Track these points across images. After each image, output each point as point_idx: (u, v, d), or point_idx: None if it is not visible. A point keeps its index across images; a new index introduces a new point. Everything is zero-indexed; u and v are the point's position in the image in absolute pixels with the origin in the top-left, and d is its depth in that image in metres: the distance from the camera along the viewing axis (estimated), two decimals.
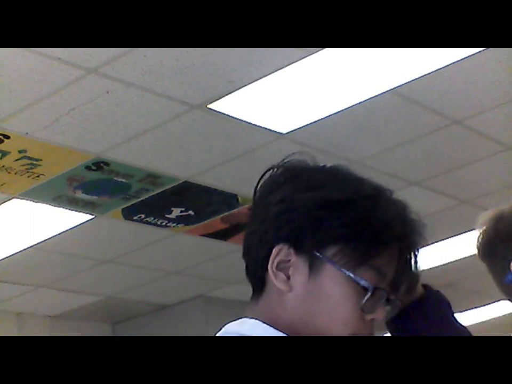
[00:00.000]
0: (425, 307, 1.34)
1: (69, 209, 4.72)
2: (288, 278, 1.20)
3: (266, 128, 4.11)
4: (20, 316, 6.51)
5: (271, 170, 1.26)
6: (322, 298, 1.20)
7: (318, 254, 1.19)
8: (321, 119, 4.06)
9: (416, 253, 1.24)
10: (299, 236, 1.19)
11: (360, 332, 1.21)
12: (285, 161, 1.26)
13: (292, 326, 1.21)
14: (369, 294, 1.19)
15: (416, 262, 1.25)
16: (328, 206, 1.19)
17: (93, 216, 4.87)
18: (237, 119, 3.98)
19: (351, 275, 1.18)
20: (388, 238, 1.20)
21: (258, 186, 1.26)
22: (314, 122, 4.08)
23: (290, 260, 1.20)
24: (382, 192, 1.23)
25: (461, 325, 1.34)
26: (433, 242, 6.16)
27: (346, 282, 1.19)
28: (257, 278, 1.24)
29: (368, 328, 1.22)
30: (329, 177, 1.24)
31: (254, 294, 1.26)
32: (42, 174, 4.27)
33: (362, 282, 1.18)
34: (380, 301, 1.21)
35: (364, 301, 1.19)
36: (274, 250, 1.20)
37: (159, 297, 6.57)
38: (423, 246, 1.25)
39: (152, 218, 5.01)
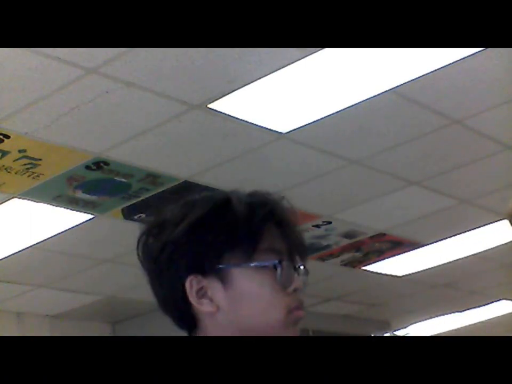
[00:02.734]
0: None
1: (69, 209, 4.72)
2: (211, 300, 1.30)
3: (266, 128, 4.11)
4: (20, 316, 6.50)
5: (137, 244, 1.41)
6: (245, 299, 1.29)
7: (219, 267, 1.29)
8: (321, 119, 4.05)
9: (288, 222, 1.35)
10: (195, 263, 1.30)
11: (291, 304, 1.30)
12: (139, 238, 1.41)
13: None
14: (279, 268, 1.29)
15: (293, 230, 1.35)
16: (198, 226, 1.31)
17: (93, 216, 4.87)
18: (237, 119, 3.98)
19: (255, 264, 1.29)
20: (258, 222, 1.30)
21: (138, 251, 1.41)
22: (314, 122, 4.08)
23: (203, 285, 1.30)
24: (234, 193, 1.36)
25: None
26: (433, 242, 6.16)
27: (254, 273, 1.30)
28: (188, 318, 1.32)
29: (295, 299, 1.31)
30: (186, 207, 1.37)
31: (190, 333, 1.34)
32: (42, 174, 4.27)
33: (267, 263, 1.30)
34: (290, 271, 1.31)
35: (278, 277, 1.29)
36: (187, 286, 1.30)
37: None
38: (294, 214, 1.37)
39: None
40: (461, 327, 8.69)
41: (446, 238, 6.11)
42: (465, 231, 6.01)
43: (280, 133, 4.18)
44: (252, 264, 1.29)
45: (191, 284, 1.30)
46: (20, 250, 5.17)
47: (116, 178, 4.43)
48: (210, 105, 3.83)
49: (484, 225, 5.91)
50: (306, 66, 3.56)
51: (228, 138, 4.17)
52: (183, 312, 1.32)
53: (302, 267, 1.34)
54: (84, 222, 4.93)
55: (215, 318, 1.30)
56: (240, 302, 1.29)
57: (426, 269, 6.71)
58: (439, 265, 6.65)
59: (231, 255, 1.29)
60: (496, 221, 5.85)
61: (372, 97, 3.89)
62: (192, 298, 1.29)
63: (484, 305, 8.13)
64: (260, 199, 1.34)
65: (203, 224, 1.31)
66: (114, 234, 5.22)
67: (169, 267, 1.31)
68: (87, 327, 6.84)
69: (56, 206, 4.66)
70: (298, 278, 1.32)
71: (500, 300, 8.09)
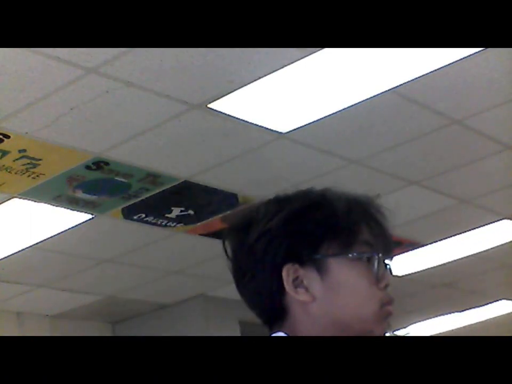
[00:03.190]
0: None
1: (69, 208, 4.72)
2: (307, 289, 1.30)
3: (266, 128, 4.11)
4: (20, 316, 6.50)
5: (225, 237, 1.38)
6: (341, 289, 1.30)
7: (317, 256, 1.30)
8: (321, 119, 4.05)
9: (381, 219, 1.37)
10: (293, 252, 1.30)
11: (384, 299, 1.31)
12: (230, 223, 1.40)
13: (326, 330, 1.29)
14: (375, 261, 1.31)
15: (385, 228, 1.37)
16: (296, 218, 1.32)
17: (93, 216, 4.87)
18: (237, 118, 3.98)
19: (354, 254, 1.30)
20: (355, 217, 1.33)
21: (225, 245, 1.37)
22: (314, 122, 4.08)
23: (299, 275, 1.30)
24: (328, 190, 1.38)
25: None
26: (433, 242, 6.16)
27: (352, 265, 1.31)
28: (276, 309, 1.32)
29: (386, 294, 1.32)
30: (281, 201, 1.37)
31: (275, 325, 1.33)
32: (42, 174, 4.27)
33: (366, 255, 1.31)
34: (383, 266, 1.33)
35: (375, 269, 1.31)
36: (284, 275, 1.30)
37: (159, 296, 6.57)
38: (384, 213, 1.38)
39: (152, 217, 5.01)
40: (461, 327, 8.69)
41: (446, 238, 6.11)
42: (465, 231, 6.01)
43: (280, 133, 4.18)
44: (350, 255, 1.30)
45: (288, 273, 1.30)
46: (20, 250, 5.17)
47: (116, 178, 4.43)
48: (210, 105, 3.83)
49: (484, 225, 5.91)
50: (306, 66, 3.56)
51: (228, 138, 4.17)
52: (274, 303, 1.32)
53: (389, 266, 1.35)
54: (83, 222, 4.93)
55: (308, 308, 1.30)
56: (337, 292, 1.30)
57: (426, 269, 6.71)
58: (439, 265, 6.65)
59: (328, 246, 1.31)
60: (496, 221, 5.86)
61: (371, 97, 3.89)
62: (289, 287, 1.30)
63: (484, 305, 8.13)
64: (355, 197, 1.37)
65: (302, 215, 1.32)
66: (114, 234, 5.22)
67: (265, 256, 1.31)
68: (87, 327, 6.84)
69: (56, 206, 4.66)
70: (388, 274, 1.33)
71: (500, 299, 8.09)
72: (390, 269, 1.35)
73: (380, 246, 1.34)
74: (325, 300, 1.29)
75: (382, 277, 1.32)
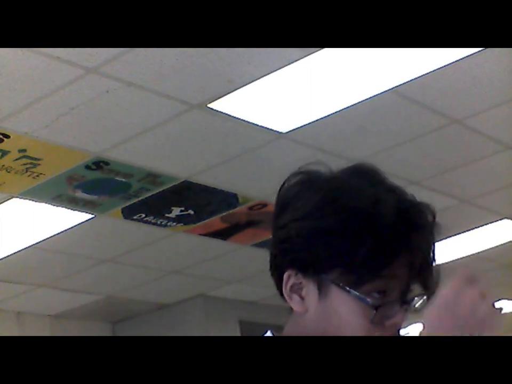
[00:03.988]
0: None
1: (69, 208, 4.72)
2: (303, 298, 1.25)
3: (266, 128, 4.11)
4: (20, 316, 6.50)
5: (284, 184, 1.30)
6: (332, 318, 1.24)
7: (322, 277, 1.23)
8: (321, 118, 4.05)
9: (429, 252, 1.33)
10: (302, 262, 1.24)
11: None
12: (299, 171, 1.31)
13: None
14: (373, 312, 1.22)
15: (431, 259, 1.32)
16: (321, 234, 1.23)
17: (93, 216, 4.87)
18: (237, 118, 3.98)
19: (356, 294, 1.22)
20: (390, 251, 1.22)
21: (275, 202, 1.31)
22: (314, 121, 4.08)
23: (301, 282, 1.25)
24: (379, 204, 1.26)
25: None
26: None
27: (353, 300, 1.23)
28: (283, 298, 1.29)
29: (387, 334, 1.24)
30: (327, 199, 1.26)
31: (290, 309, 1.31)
32: (42, 174, 4.27)
33: (366, 301, 1.22)
34: (393, 308, 1.24)
35: (371, 317, 1.22)
36: (285, 276, 1.25)
37: (159, 296, 6.57)
38: (438, 241, 1.32)
39: (152, 217, 5.01)
40: None
41: (446, 238, 6.11)
42: (465, 231, 6.01)
43: (280, 133, 4.18)
44: (352, 293, 1.22)
45: (289, 278, 1.25)
46: (20, 250, 5.17)
47: (116, 178, 4.43)
48: (210, 105, 3.83)
49: (484, 225, 5.91)
50: (306, 66, 3.56)
51: (228, 138, 4.17)
52: (280, 293, 1.27)
53: (419, 300, 1.27)
54: (83, 222, 4.93)
55: (302, 316, 1.26)
56: (329, 319, 1.24)
57: None
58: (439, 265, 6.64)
59: (340, 272, 1.22)
60: (496, 221, 5.85)
61: (371, 97, 3.89)
62: (285, 291, 1.25)
63: None
64: (411, 224, 1.25)
65: (329, 232, 1.22)
66: (114, 234, 5.22)
67: (281, 246, 1.27)
68: (87, 327, 6.84)
69: (56, 205, 4.66)
70: (403, 313, 1.25)
71: (500, 299, 8.09)
72: (416, 304, 1.26)
73: (406, 281, 1.25)
74: (316, 317, 1.25)
75: (389, 317, 1.24)
